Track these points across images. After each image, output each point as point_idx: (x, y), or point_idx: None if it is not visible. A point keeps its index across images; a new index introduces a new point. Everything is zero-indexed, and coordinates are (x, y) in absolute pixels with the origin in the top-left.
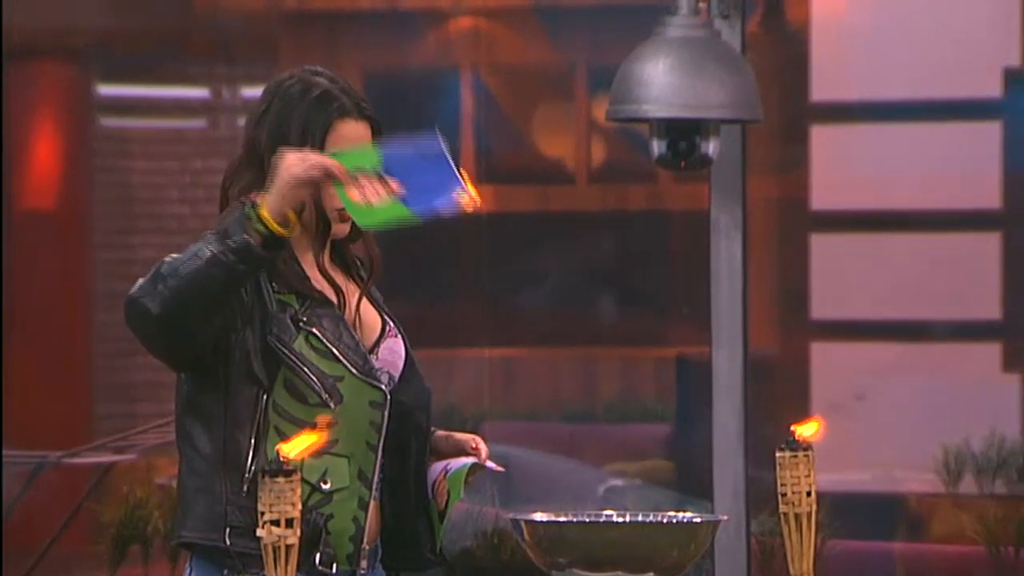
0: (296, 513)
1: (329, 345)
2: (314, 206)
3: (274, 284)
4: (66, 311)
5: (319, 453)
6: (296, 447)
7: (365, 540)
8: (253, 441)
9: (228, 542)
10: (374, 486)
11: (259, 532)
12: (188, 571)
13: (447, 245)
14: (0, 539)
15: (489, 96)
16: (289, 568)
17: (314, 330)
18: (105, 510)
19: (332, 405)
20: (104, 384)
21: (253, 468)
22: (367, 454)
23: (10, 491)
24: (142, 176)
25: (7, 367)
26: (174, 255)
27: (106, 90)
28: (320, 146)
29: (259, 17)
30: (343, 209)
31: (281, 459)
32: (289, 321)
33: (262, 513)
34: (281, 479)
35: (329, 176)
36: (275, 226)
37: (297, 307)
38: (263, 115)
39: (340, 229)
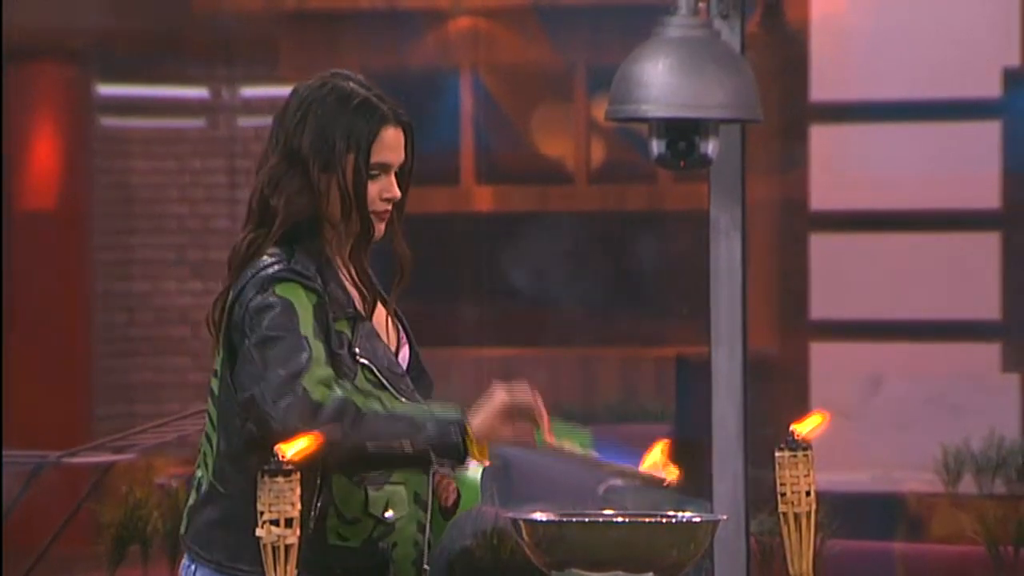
0: (295, 513)
1: (380, 376)
2: (357, 207)
3: (332, 311)
4: (66, 311)
5: (380, 485)
6: (294, 448)
7: (426, 561)
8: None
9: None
10: (429, 507)
11: (258, 532)
12: (189, 567)
13: (446, 245)
14: (0, 539)
15: (488, 96)
16: (288, 568)
17: (366, 361)
18: (104, 510)
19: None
20: (103, 384)
21: (320, 504)
22: (420, 476)
23: (10, 491)
24: (141, 176)
25: (7, 367)
26: (375, 411)
27: (105, 90)
28: (367, 154)
29: (258, 17)
30: (380, 212)
31: (280, 458)
32: (347, 356)
33: (261, 513)
34: (280, 479)
35: (533, 421)
36: (476, 456)
37: (350, 336)
38: (300, 123)
39: (379, 229)
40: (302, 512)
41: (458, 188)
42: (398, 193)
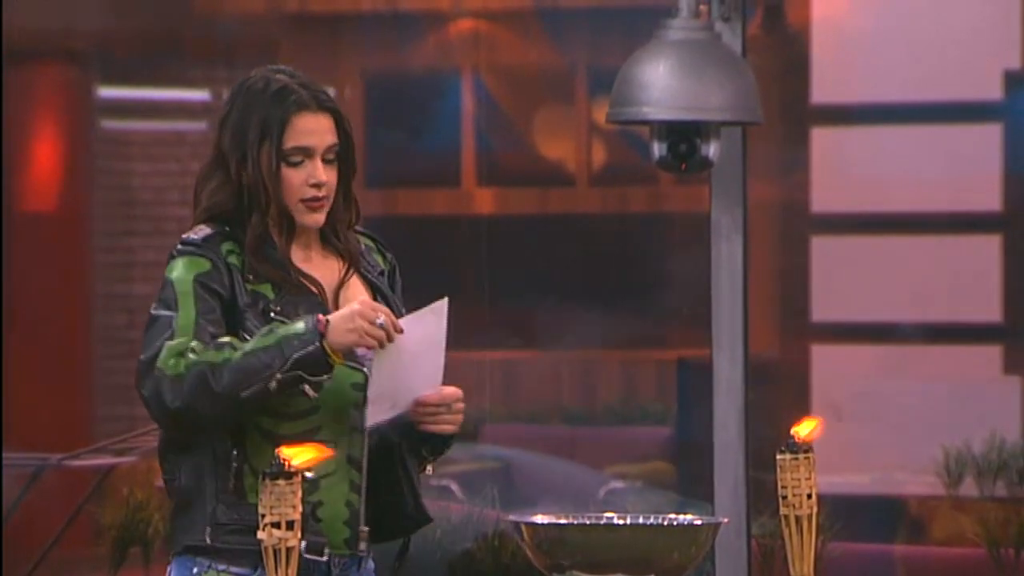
0: (296, 515)
1: None
2: (273, 194)
3: (250, 276)
4: (66, 313)
5: (302, 440)
6: (298, 455)
7: (362, 522)
8: (233, 437)
9: (208, 540)
10: (364, 468)
11: (260, 535)
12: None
13: (447, 247)
14: (0, 541)
15: (489, 98)
16: (290, 570)
17: (288, 320)
18: (105, 512)
19: (312, 394)
20: (104, 386)
21: (235, 464)
22: (353, 437)
23: (10, 493)
24: (142, 178)
25: (7, 369)
26: (217, 357)
27: (106, 92)
28: (279, 140)
29: (259, 19)
30: (309, 199)
31: (281, 461)
32: (260, 313)
33: (263, 515)
34: (282, 482)
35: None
36: (336, 360)
37: (272, 297)
38: (224, 119)
39: (312, 219)
40: (219, 472)
41: (459, 190)
42: (323, 177)
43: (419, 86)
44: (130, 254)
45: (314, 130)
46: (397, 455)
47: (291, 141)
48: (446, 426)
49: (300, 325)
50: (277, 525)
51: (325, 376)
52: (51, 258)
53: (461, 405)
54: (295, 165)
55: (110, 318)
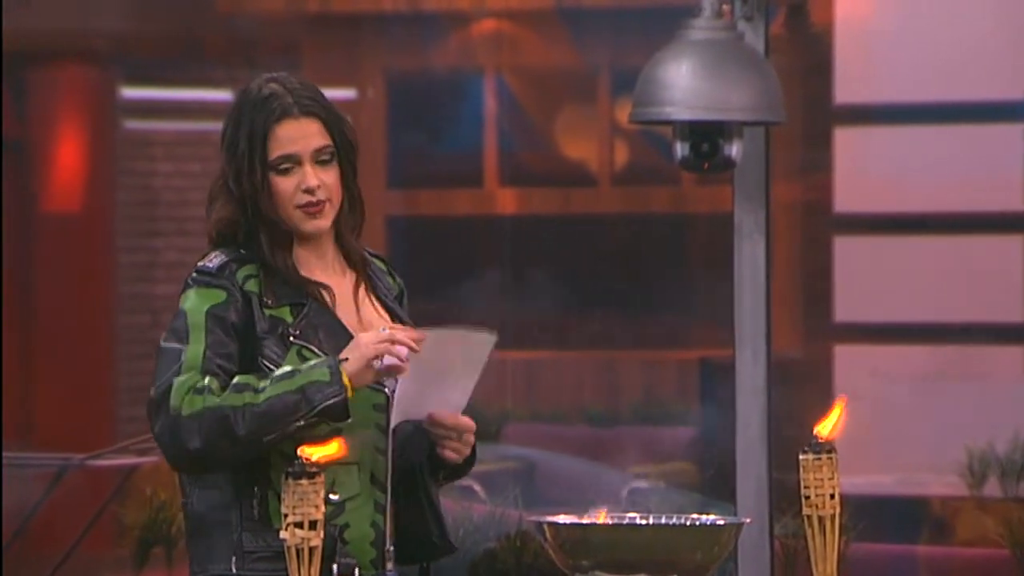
0: (319, 515)
1: (322, 355)
2: (272, 211)
3: (268, 300)
4: (89, 313)
5: (325, 465)
6: (317, 452)
7: (388, 542)
8: (257, 465)
9: (234, 569)
10: (389, 489)
11: (282, 534)
12: None
13: (469, 247)
14: (0, 542)
15: (512, 99)
16: (313, 570)
17: (308, 344)
18: (128, 513)
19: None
20: (127, 386)
21: (259, 492)
22: (377, 458)
23: (34, 493)
24: (165, 179)
25: (31, 370)
26: (249, 404)
27: (129, 93)
28: (262, 150)
29: (281, 19)
30: (304, 205)
31: (304, 461)
32: (279, 338)
33: (285, 515)
34: (304, 481)
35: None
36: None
37: (290, 320)
38: (224, 131)
39: (313, 225)
40: (243, 500)
41: (481, 190)
42: (314, 182)
43: (441, 87)
44: (153, 254)
45: (296, 136)
46: (420, 482)
47: (276, 150)
48: (451, 453)
49: (324, 372)
50: (300, 525)
51: (348, 420)
52: (74, 258)
53: (471, 438)
54: (284, 173)
55: (133, 318)
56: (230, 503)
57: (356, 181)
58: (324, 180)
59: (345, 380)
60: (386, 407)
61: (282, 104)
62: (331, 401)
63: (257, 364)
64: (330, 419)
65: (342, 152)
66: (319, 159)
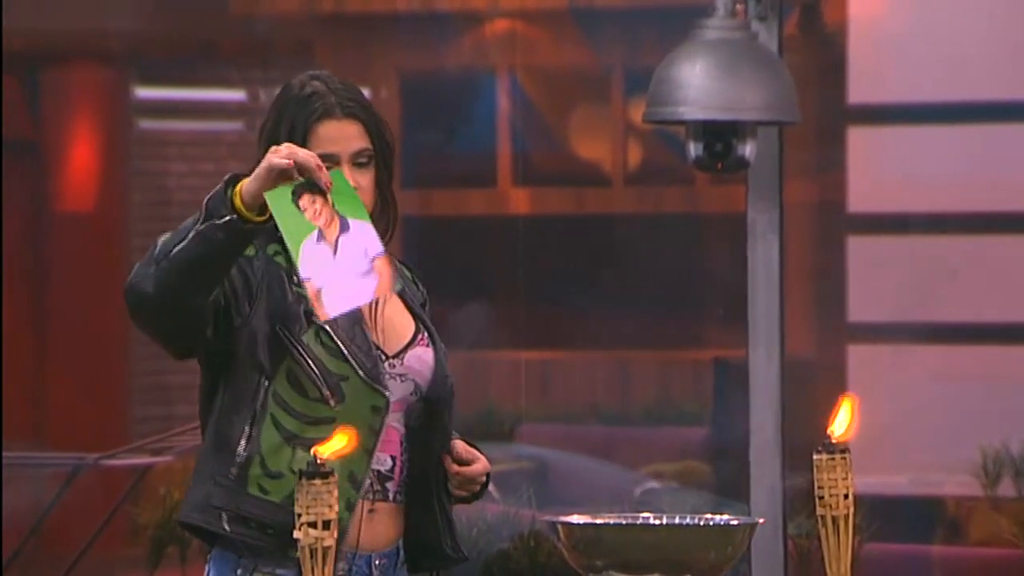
0: (333, 515)
1: (339, 343)
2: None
3: (298, 278)
4: (103, 313)
5: (311, 450)
6: (330, 448)
7: (347, 542)
8: (248, 427)
9: (227, 528)
10: (363, 490)
11: (296, 534)
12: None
13: (483, 247)
14: (0, 542)
15: (525, 98)
16: (327, 569)
17: (327, 327)
18: (142, 512)
19: (332, 403)
20: (141, 386)
21: (245, 453)
22: (361, 457)
23: (48, 493)
24: (178, 179)
25: (45, 369)
26: (166, 235)
27: (143, 93)
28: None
29: (295, 19)
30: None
31: (318, 461)
32: (302, 314)
33: (299, 515)
34: (318, 481)
35: (304, 169)
36: (244, 211)
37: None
38: (263, 124)
39: None
40: (222, 454)
41: (495, 190)
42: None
43: (455, 86)
44: None
45: (337, 137)
46: (434, 491)
47: (316, 149)
48: (459, 491)
49: (219, 184)
50: (314, 524)
51: (228, 217)
52: (88, 258)
53: (484, 479)
54: None
55: None
56: (209, 453)
57: (391, 185)
58: (360, 182)
59: (238, 188)
60: (383, 409)
61: (325, 104)
62: (213, 191)
63: (275, 331)
64: (216, 216)
65: (380, 155)
66: (357, 161)
